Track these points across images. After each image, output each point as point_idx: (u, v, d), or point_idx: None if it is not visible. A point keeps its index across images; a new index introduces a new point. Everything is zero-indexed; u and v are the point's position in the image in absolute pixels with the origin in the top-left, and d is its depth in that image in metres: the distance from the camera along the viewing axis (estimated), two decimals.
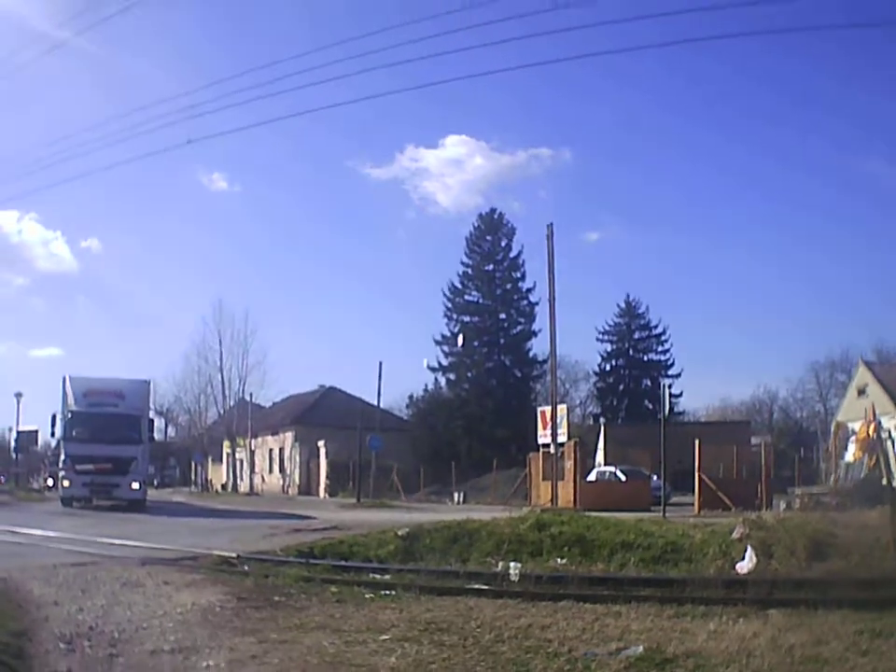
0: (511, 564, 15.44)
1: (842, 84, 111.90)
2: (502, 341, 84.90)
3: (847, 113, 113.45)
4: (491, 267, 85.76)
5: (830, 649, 9.06)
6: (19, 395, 69.11)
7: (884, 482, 21.91)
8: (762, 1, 19.79)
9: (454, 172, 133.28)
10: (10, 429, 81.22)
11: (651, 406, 75.39)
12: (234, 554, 17.35)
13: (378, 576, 15.50)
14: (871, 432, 37.11)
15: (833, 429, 53.08)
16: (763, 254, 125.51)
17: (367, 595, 13.53)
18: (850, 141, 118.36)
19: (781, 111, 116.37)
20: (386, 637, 10.27)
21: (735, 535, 16.80)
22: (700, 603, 12.19)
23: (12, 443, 75.26)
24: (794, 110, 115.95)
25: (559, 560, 16.60)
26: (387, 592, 13.85)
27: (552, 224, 39.10)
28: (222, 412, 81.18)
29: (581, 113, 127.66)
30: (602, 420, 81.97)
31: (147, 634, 10.26)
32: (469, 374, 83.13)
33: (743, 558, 15.35)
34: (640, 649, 9.31)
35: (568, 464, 39.29)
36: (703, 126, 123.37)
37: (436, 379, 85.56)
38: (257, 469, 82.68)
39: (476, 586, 14.19)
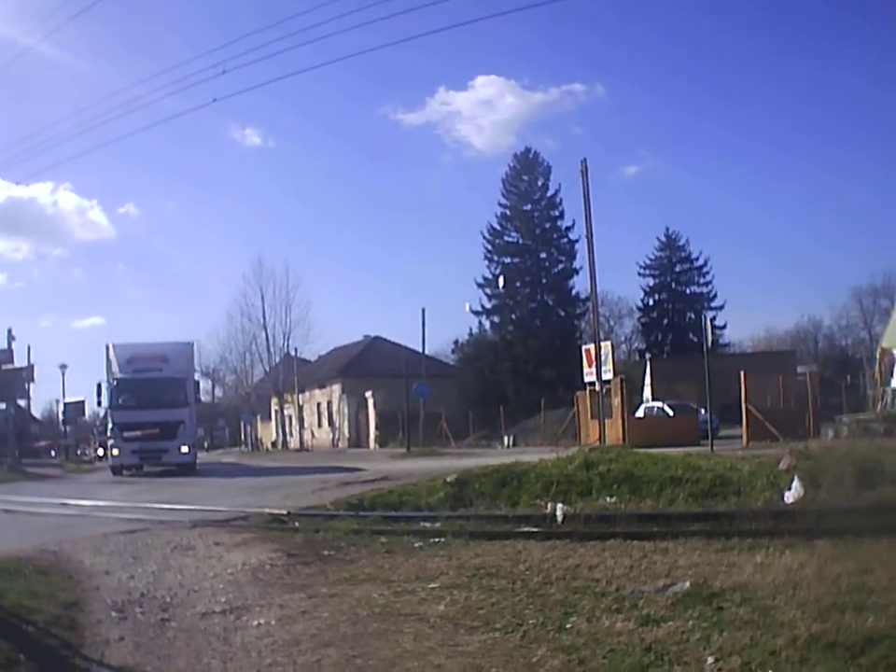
0: (559, 505, 15.50)
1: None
2: (544, 280, 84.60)
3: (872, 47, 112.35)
4: (529, 207, 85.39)
5: (875, 578, 9.03)
6: (64, 367, 69.84)
7: None
8: None
9: (486, 113, 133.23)
10: (57, 402, 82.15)
11: (695, 339, 74.78)
12: (285, 511, 17.49)
13: (428, 524, 15.58)
14: None
15: (878, 356, 52.59)
16: (798, 184, 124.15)
17: (416, 544, 13.64)
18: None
19: (812, 46, 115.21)
20: (435, 584, 10.40)
21: (783, 466, 16.73)
22: (747, 536, 12.19)
23: (60, 416, 75.92)
24: (824, 45, 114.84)
25: (608, 498, 16.62)
26: (437, 539, 13.95)
27: (585, 160, 38.75)
28: (268, 369, 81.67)
29: (613, 48, 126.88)
30: (648, 355, 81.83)
31: (198, 596, 10.46)
32: (513, 316, 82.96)
33: (790, 489, 15.35)
34: (687, 584, 9.36)
35: (615, 401, 39.22)
36: (734, 60, 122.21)
37: (480, 322, 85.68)
38: (306, 425, 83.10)
39: (525, 529, 14.28)
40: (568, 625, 8.21)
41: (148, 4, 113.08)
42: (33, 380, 50.06)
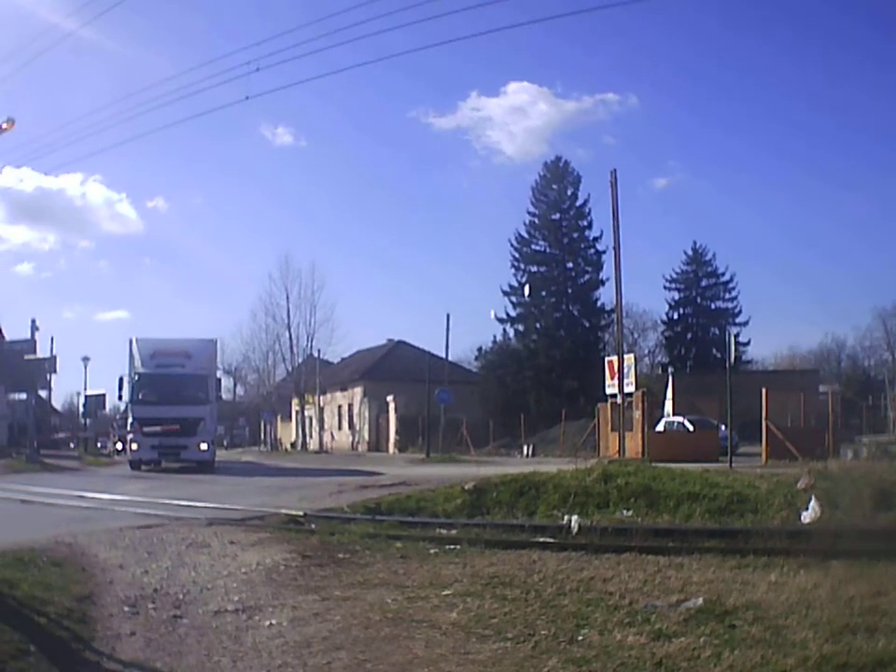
0: (574, 517, 15.51)
1: None
2: (570, 290, 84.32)
3: None
4: (557, 216, 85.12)
5: (889, 600, 9.03)
6: (86, 359, 70.19)
7: None
8: None
9: (517, 119, 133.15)
10: (78, 394, 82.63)
11: (718, 355, 74.42)
12: (301, 512, 17.52)
13: (444, 531, 15.62)
14: None
15: None
16: (822, 205, 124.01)
17: (431, 551, 13.66)
18: None
19: (840, 66, 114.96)
20: (449, 591, 10.41)
21: (801, 485, 16.71)
22: (762, 554, 12.20)
23: (81, 408, 76.24)
24: (863, 70, 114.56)
25: (625, 512, 16.62)
26: (452, 547, 13.97)
27: (615, 171, 38.84)
28: (290, 369, 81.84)
29: (648, 59, 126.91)
30: (670, 369, 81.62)
31: (212, 594, 10.49)
32: (538, 325, 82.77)
33: (807, 509, 15.32)
34: (700, 600, 9.36)
35: (636, 414, 39.24)
36: (771, 79, 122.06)
37: (504, 330, 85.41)
38: (326, 427, 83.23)
39: (541, 539, 14.29)
40: (580, 637, 8.22)
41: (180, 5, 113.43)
42: (55, 371, 50.31)
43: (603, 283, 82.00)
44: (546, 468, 21.32)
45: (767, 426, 32.23)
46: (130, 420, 39.01)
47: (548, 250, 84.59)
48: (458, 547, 13.90)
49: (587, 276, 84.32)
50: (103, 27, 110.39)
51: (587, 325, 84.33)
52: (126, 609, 9.75)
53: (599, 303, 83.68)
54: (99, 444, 68.87)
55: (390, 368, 77.30)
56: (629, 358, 41.74)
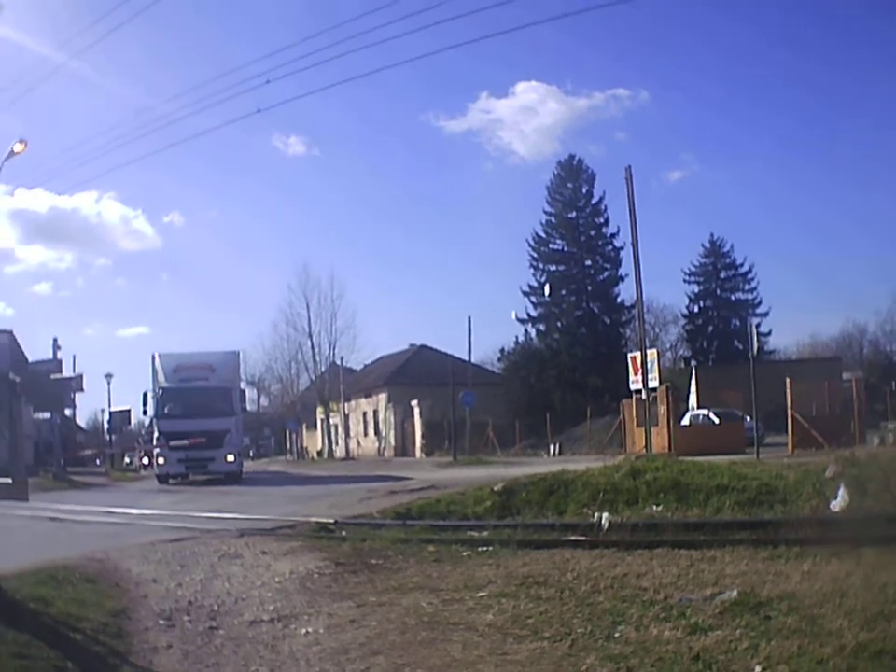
0: (604, 514, 15.50)
1: None
2: (589, 288, 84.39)
3: None
4: (574, 214, 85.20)
5: None
6: (109, 376, 70.75)
7: None
8: None
9: (528, 119, 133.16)
10: (103, 410, 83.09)
11: (740, 346, 74.09)
12: (332, 520, 17.53)
13: (475, 533, 15.59)
14: None
15: None
16: (834, 196, 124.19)
17: (464, 553, 13.65)
18: None
19: (855, 60, 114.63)
20: (483, 593, 10.41)
21: (829, 473, 16.63)
22: (794, 544, 12.15)
23: (105, 424, 76.64)
24: (874, 62, 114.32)
25: (655, 507, 16.57)
26: (484, 548, 13.95)
27: (629, 167, 38.71)
28: (314, 378, 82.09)
29: (657, 54, 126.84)
30: (693, 363, 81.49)
31: (246, 605, 10.52)
32: (559, 324, 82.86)
33: (836, 497, 15.28)
34: (735, 593, 9.35)
35: (661, 409, 39.16)
36: (780, 72, 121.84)
37: (526, 331, 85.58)
38: (351, 434, 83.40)
39: (572, 538, 14.29)
40: (617, 634, 8.22)
41: (193, 16, 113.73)
42: (82, 389, 50.77)
43: (622, 279, 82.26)
44: (574, 466, 21.27)
45: (793, 415, 32.16)
46: (156, 434, 39.18)
47: (566, 249, 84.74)
48: (490, 548, 13.88)
49: (606, 273, 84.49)
50: (92, 59, 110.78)
51: (608, 322, 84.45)
52: (161, 622, 9.79)
53: (619, 300, 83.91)
54: (127, 460, 69.20)
55: (413, 372, 77.34)
56: (652, 353, 41.59)
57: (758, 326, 61.91)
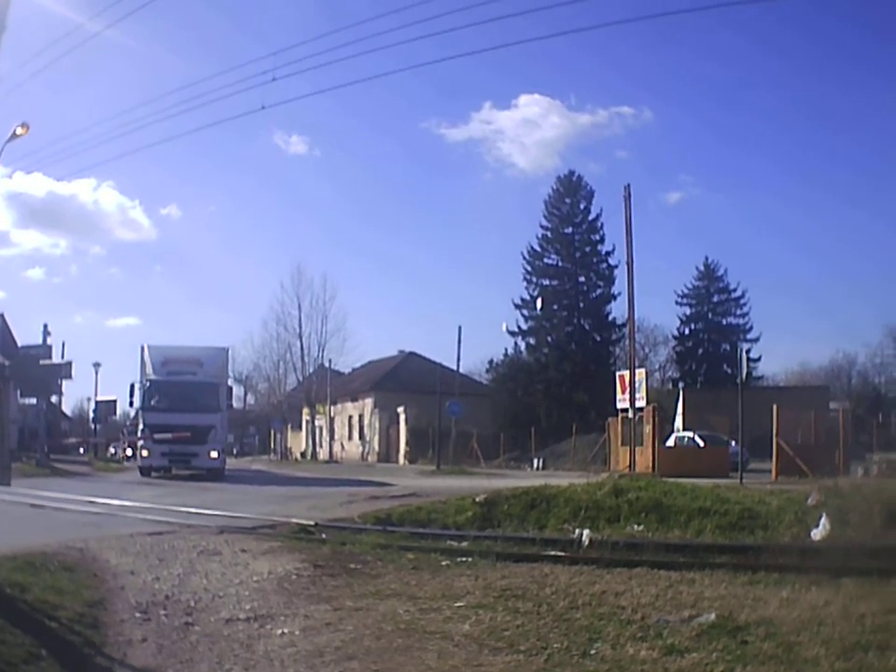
0: (585, 531, 15.50)
1: None
2: (581, 304, 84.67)
3: None
4: (570, 230, 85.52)
5: None
6: (97, 365, 70.38)
7: None
8: None
9: (530, 132, 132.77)
10: (89, 400, 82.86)
11: (729, 371, 74.39)
12: (312, 522, 17.51)
13: (455, 543, 15.59)
14: None
15: None
16: (834, 222, 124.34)
17: (443, 563, 13.63)
18: None
19: (855, 82, 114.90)
20: (461, 603, 10.39)
21: (811, 502, 16.69)
22: (773, 570, 12.14)
23: (91, 414, 76.45)
24: (868, 81, 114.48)
25: (636, 526, 16.58)
26: (464, 559, 13.93)
27: (628, 186, 39.01)
28: (301, 378, 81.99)
29: (662, 73, 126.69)
30: (681, 385, 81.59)
31: (223, 602, 10.49)
32: (549, 338, 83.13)
33: (817, 525, 15.30)
34: (713, 616, 9.34)
35: (647, 429, 39.21)
36: (784, 95, 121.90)
37: (515, 343, 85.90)
38: (336, 437, 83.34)
39: (552, 553, 14.26)
40: (593, 651, 8.21)
41: (202, 11, 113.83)
42: (70, 377, 50.44)
43: (615, 297, 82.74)
44: (556, 481, 21.28)
45: (778, 442, 32.18)
46: (141, 426, 39.16)
47: (560, 264, 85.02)
48: (470, 559, 13.86)
49: (599, 291, 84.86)
50: (124, 27, 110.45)
51: (598, 339, 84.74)
52: (138, 615, 9.76)
53: (611, 318, 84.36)
54: (111, 450, 69.02)
55: (401, 379, 77.34)
56: (640, 373, 41.74)
57: (748, 351, 62.14)
